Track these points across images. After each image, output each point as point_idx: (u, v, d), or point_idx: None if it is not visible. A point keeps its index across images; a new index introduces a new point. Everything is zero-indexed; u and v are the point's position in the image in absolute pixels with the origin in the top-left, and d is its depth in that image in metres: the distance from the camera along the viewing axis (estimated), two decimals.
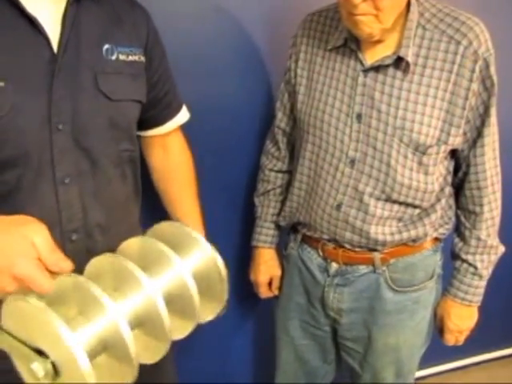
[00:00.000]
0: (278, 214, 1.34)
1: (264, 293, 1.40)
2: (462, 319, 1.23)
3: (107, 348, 0.60)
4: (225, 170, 1.46)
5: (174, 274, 0.68)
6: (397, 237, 1.14)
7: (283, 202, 1.33)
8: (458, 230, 1.23)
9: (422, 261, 1.20)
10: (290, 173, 1.32)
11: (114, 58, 0.89)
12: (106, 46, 0.89)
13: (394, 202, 1.11)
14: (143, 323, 0.64)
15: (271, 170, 1.34)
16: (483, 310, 1.26)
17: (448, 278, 1.25)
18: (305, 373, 1.36)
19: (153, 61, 0.99)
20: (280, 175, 1.34)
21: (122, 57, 0.91)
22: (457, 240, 1.23)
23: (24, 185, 0.81)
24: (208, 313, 0.76)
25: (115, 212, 0.93)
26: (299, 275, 1.28)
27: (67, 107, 0.83)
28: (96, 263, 0.68)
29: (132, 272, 0.64)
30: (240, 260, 1.50)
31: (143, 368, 1.02)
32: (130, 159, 0.96)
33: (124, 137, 0.93)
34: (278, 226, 1.37)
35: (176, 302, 0.67)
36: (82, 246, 0.87)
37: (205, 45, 1.35)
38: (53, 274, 0.63)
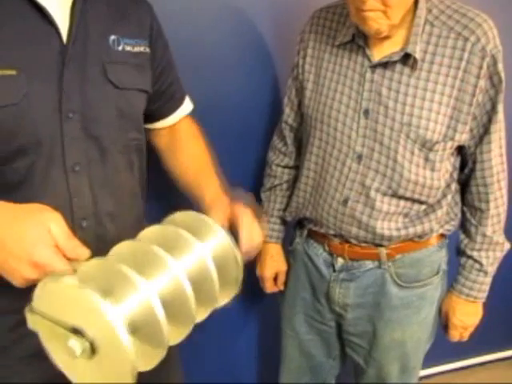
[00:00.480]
0: (285, 210, 1.35)
1: (269, 288, 1.41)
2: (467, 315, 1.24)
3: (138, 329, 0.60)
4: (232, 165, 1.45)
5: (196, 258, 0.69)
6: (403, 232, 1.15)
7: (289, 198, 1.34)
8: (463, 226, 1.24)
9: (428, 256, 1.20)
10: (297, 168, 1.33)
11: (120, 48, 0.91)
12: (113, 37, 0.91)
13: (401, 197, 1.12)
14: (170, 304, 0.64)
15: (278, 165, 1.35)
16: (488, 310, 1.26)
17: (453, 275, 1.25)
18: (310, 368, 1.37)
19: (156, 52, 1.00)
20: (287, 171, 1.35)
21: (127, 48, 0.93)
22: (462, 236, 1.23)
23: (35, 173, 0.82)
24: (223, 298, 0.76)
25: (123, 200, 0.94)
26: (305, 270, 1.29)
27: (77, 96, 0.84)
28: (118, 249, 0.68)
29: (157, 254, 0.65)
30: None
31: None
32: (137, 148, 0.97)
33: (132, 126, 0.94)
34: (284, 222, 1.37)
35: (198, 286, 0.67)
36: (92, 233, 0.88)
37: (211, 41, 1.36)
38: (70, 260, 0.64)
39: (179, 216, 0.76)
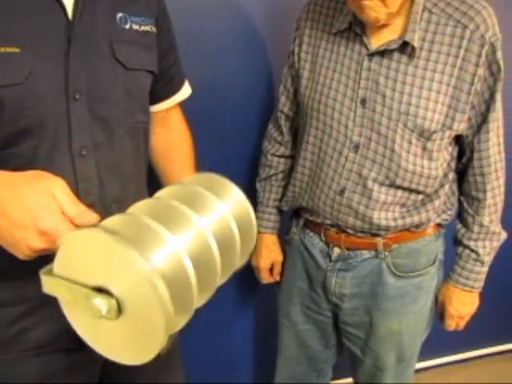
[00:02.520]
0: (280, 200, 1.34)
1: (265, 278, 1.40)
2: (464, 305, 1.24)
3: (168, 285, 0.55)
4: (227, 154, 1.45)
5: (218, 217, 0.65)
6: (400, 222, 1.14)
7: (285, 188, 1.33)
8: (460, 216, 1.23)
9: (425, 246, 1.20)
10: (293, 158, 1.32)
11: (127, 26, 0.88)
12: (120, 15, 0.87)
13: (398, 187, 1.11)
14: (197, 261, 0.59)
15: (273, 154, 1.33)
16: (486, 304, 1.26)
17: (449, 265, 1.25)
18: (306, 358, 1.37)
19: (161, 33, 0.97)
20: (282, 160, 1.34)
21: (135, 26, 0.89)
22: (459, 226, 1.23)
23: (40, 156, 0.79)
24: (241, 260, 0.72)
25: (130, 186, 0.91)
26: (301, 260, 1.28)
27: (84, 76, 0.81)
28: (137, 206, 0.64)
29: (180, 210, 0.61)
30: None
31: (150, 368, 1.03)
32: (143, 132, 0.95)
33: (139, 108, 0.92)
34: (279, 212, 1.37)
35: (221, 245, 0.63)
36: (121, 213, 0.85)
37: (206, 28, 1.34)
38: (78, 227, 0.61)
39: (192, 177, 0.71)
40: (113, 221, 0.59)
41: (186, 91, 1.13)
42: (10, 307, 0.84)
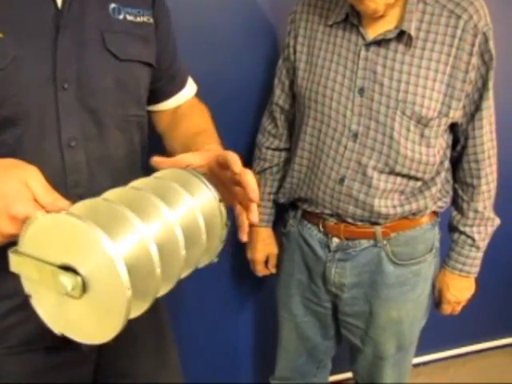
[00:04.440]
0: (275, 193, 1.35)
1: (261, 271, 1.40)
2: (461, 290, 1.27)
3: (131, 270, 0.57)
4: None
5: (186, 210, 0.66)
6: (399, 210, 1.16)
7: (280, 181, 1.34)
8: (455, 203, 1.26)
9: (422, 234, 1.22)
10: (287, 151, 1.33)
11: (121, 17, 0.86)
12: (113, 6, 0.85)
13: (397, 174, 1.13)
14: (162, 250, 0.61)
15: (268, 148, 1.34)
16: (486, 298, 1.28)
17: (445, 253, 1.28)
18: (306, 349, 1.37)
19: (160, 24, 0.95)
20: (277, 153, 1.34)
21: (129, 17, 0.87)
22: (455, 213, 1.26)
23: (26, 146, 0.77)
24: (206, 258, 0.74)
25: (122, 180, 0.88)
26: (300, 252, 1.29)
27: (73, 66, 0.79)
28: (109, 193, 0.65)
29: (150, 199, 0.62)
30: (236, 239, 1.50)
31: (149, 367, 1.01)
32: (138, 126, 0.92)
33: (132, 101, 0.89)
34: (274, 205, 1.37)
35: (187, 237, 0.65)
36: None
37: (202, 22, 1.34)
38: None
39: (166, 171, 0.73)
40: (84, 204, 0.60)
41: (190, 88, 1.09)
42: None
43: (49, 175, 0.76)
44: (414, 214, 1.19)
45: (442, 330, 1.31)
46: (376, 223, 1.18)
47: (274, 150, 1.34)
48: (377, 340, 1.27)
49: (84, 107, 0.81)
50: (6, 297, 0.82)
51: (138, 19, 0.89)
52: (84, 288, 0.56)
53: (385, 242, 1.19)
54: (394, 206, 1.16)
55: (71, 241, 0.56)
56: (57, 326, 0.60)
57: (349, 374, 1.49)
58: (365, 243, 1.20)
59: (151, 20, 0.92)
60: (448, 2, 1.06)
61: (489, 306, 1.26)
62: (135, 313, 0.59)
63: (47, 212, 0.60)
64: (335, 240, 1.22)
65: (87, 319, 0.58)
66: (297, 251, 1.30)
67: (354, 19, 1.10)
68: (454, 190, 1.25)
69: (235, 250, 1.34)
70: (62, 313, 0.59)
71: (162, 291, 0.64)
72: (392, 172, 1.12)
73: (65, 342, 0.61)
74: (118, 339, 0.58)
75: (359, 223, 1.19)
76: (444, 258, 1.28)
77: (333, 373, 1.50)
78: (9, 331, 0.84)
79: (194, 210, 0.67)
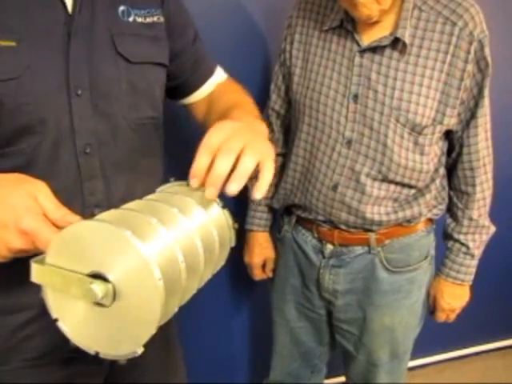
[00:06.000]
0: (272, 197, 1.35)
1: (258, 275, 1.40)
2: (455, 298, 1.26)
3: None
4: None
5: (200, 219, 0.66)
6: (392, 217, 1.15)
7: (276, 185, 1.33)
8: (450, 210, 1.25)
9: (417, 241, 1.21)
10: (283, 156, 1.33)
11: (130, 19, 0.85)
12: (122, 8, 0.85)
13: (391, 182, 1.12)
14: (185, 256, 0.61)
15: None
16: (481, 301, 1.27)
17: (439, 260, 1.27)
18: (300, 354, 1.37)
19: (171, 20, 0.93)
20: None
21: (139, 19, 0.87)
22: (449, 220, 1.25)
23: (42, 155, 0.77)
24: (217, 267, 0.74)
25: (138, 184, 0.88)
26: (294, 258, 1.29)
27: (85, 71, 0.79)
28: (128, 205, 0.65)
29: (170, 210, 0.62)
30: (239, 244, 1.50)
31: (155, 368, 1.01)
32: (153, 128, 0.91)
33: (146, 103, 0.88)
34: (271, 209, 1.37)
35: (204, 244, 0.65)
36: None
37: (197, 26, 1.34)
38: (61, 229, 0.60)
39: (174, 186, 0.73)
40: (108, 214, 0.60)
41: (219, 76, 1.05)
42: (11, 315, 0.82)
43: (65, 183, 0.79)
44: (408, 221, 1.19)
45: (437, 333, 1.31)
46: (369, 230, 1.18)
47: None
48: (370, 347, 1.26)
49: (98, 113, 0.81)
50: (20, 309, 0.82)
51: (148, 20, 0.88)
52: (114, 295, 0.54)
53: (379, 249, 1.19)
54: (388, 213, 1.15)
55: (100, 247, 0.55)
56: (81, 340, 0.59)
57: (342, 378, 1.49)
58: (359, 250, 1.20)
59: (161, 19, 0.91)
60: (443, 9, 1.05)
61: (484, 309, 1.25)
62: (165, 318, 0.57)
63: (58, 228, 0.60)
64: (329, 246, 1.22)
65: (114, 330, 0.56)
66: (291, 257, 1.30)
67: (348, 25, 1.09)
68: (449, 197, 1.24)
69: (230, 253, 1.34)
70: (86, 324, 0.58)
71: (184, 300, 0.64)
72: (385, 179, 1.12)
73: (79, 354, 0.60)
74: None
75: (353, 230, 1.18)
76: (439, 266, 1.27)
77: (327, 377, 1.50)
78: (23, 344, 0.83)
79: (207, 220, 0.67)
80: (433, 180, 1.17)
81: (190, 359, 1.44)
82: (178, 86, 1.01)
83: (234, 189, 0.63)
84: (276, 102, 1.29)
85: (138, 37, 0.86)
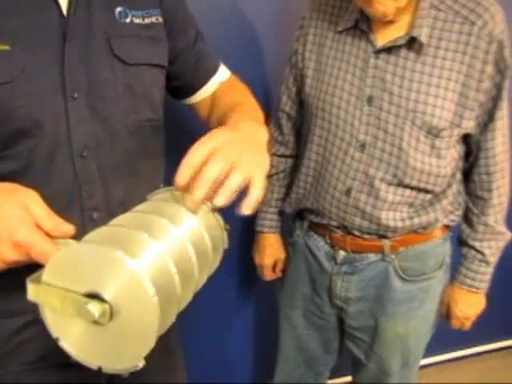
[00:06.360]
0: (283, 199, 1.32)
1: (269, 276, 1.38)
2: (469, 306, 1.23)
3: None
4: None
5: (191, 225, 0.67)
6: (408, 223, 1.12)
7: (287, 187, 1.31)
8: (465, 216, 1.22)
9: (433, 249, 1.18)
10: (294, 157, 1.30)
11: (128, 20, 0.83)
12: (119, 9, 0.83)
13: (406, 186, 1.09)
14: (177, 265, 0.62)
15: (274, 154, 1.31)
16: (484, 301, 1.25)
17: (454, 267, 1.24)
18: (305, 360, 1.35)
19: (170, 19, 0.91)
20: (283, 160, 1.31)
21: (136, 20, 0.84)
22: (464, 226, 1.22)
23: (38, 159, 0.76)
24: (214, 263, 0.75)
25: (137, 187, 0.87)
26: (305, 264, 1.26)
27: (81, 74, 0.77)
28: (117, 220, 0.65)
29: (159, 220, 0.63)
30: (242, 246, 1.49)
31: (155, 369, 0.99)
32: (152, 131, 0.89)
33: (144, 105, 0.86)
34: (281, 211, 1.34)
35: (196, 250, 0.66)
36: (103, 225, 0.82)
37: (209, 27, 1.31)
38: (54, 239, 0.60)
39: (162, 194, 0.74)
40: (99, 233, 0.60)
41: (222, 74, 1.03)
42: (9, 319, 0.81)
43: (62, 186, 0.77)
44: (424, 228, 1.15)
45: (437, 333, 1.28)
46: (384, 236, 1.14)
47: (279, 156, 1.31)
48: (381, 356, 1.23)
49: (95, 115, 0.79)
50: (17, 314, 0.81)
51: (146, 21, 0.86)
52: (111, 314, 0.55)
53: (393, 257, 1.15)
54: (403, 219, 1.12)
55: (94, 267, 0.56)
56: (82, 355, 0.60)
57: (348, 378, 1.47)
58: (372, 257, 1.17)
59: (160, 19, 0.88)
60: (462, 8, 1.02)
61: (485, 310, 1.22)
62: (162, 329, 0.58)
63: (51, 238, 0.60)
64: (342, 253, 1.19)
65: (114, 345, 0.57)
66: (302, 262, 1.27)
67: (363, 25, 1.06)
68: (465, 203, 1.21)
69: (232, 253, 1.34)
70: (85, 342, 0.59)
71: (181, 308, 0.64)
72: (400, 184, 1.09)
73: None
74: None
75: (366, 236, 1.15)
76: (453, 273, 1.24)
77: (331, 377, 1.48)
78: (20, 348, 0.82)
79: (198, 224, 0.68)
80: (450, 185, 1.14)
81: (190, 360, 1.43)
82: (182, 86, 0.99)
83: (220, 202, 0.65)
84: (286, 103, 1.26)
85: (136, 38, 0.84)
